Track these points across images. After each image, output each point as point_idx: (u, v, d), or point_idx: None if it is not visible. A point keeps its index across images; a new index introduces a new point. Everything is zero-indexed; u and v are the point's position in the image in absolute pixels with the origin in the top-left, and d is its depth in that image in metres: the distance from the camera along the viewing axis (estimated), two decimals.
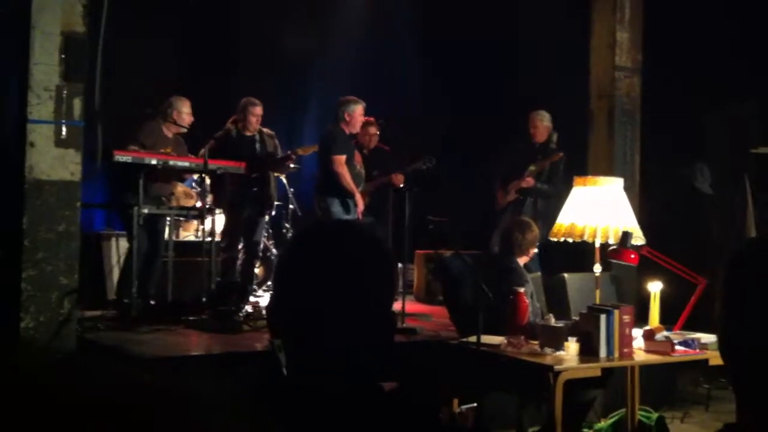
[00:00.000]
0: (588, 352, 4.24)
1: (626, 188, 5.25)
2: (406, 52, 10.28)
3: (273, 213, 8.03)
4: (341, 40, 10.08)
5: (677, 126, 7.80)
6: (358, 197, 7.06)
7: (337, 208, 7.05)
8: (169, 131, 6.88)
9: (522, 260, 5.21)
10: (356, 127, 7.23)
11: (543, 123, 7.63)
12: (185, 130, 6.92)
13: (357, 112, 7.15)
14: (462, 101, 9.43)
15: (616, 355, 4.27)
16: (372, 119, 7.79)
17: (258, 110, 7.36)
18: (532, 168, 7.57)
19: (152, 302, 6.65)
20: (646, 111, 7.42)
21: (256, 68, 9.39)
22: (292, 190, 8.54)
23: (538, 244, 5.37)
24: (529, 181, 7.50)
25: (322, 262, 1.42)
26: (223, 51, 9.42)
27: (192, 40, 9.20)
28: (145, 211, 6.36)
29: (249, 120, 7.33)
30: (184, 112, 6.89)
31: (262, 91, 7.72)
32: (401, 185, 7.32)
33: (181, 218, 7.62)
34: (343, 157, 7.03)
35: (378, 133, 7.95)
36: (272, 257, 8.19)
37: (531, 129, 7.65)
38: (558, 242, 5.08)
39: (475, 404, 4.66)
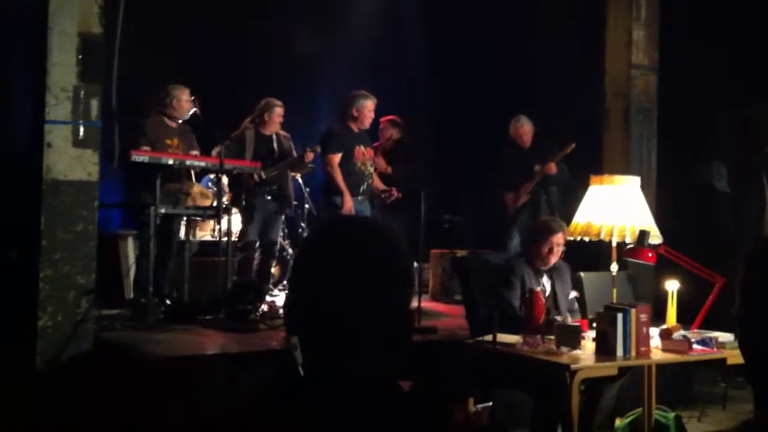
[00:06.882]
0: (604, 351, 4.22)
1: (643, 187, 5.23)
2: (416, 51, 10.26)
3: (290, 212, 8.03)
4: (351, 41, 10.06)
5: (694, 124, 7.76)
6: (347, 197, 6.86)
7: (328, 206, 6.97)
8: (171, 121, 6.83)
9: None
10: (365, 123, 7.09)
11: (529, 127, 7.87)
12: (186, 117, 6.84)
13: (366, 107, 7.03)
14: (475, 101, 9.40)
15: (633, 354, 4.24)
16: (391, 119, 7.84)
17: (281, 111, 7.37)
18: (537, 168, 7.65)
19: (168, 302, 6.67)
20: (662, 109, 7.39)
21: (266, 69, 9.38)
22: (308, 189, 8.52)
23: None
24: (551, 167, 7.54)
25: (338, 259, 1.42)
26: (234, 52, 9.41)
27: (202, 41, 9.19)
28: (162, 210, 6.36)
29: (273, 120, 7.33)
30: (183, 99, 6.79)
31: (272, 93, 7.67)
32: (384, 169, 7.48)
33: (198, 218, 7.62)
34: (336, 156, 6.92)
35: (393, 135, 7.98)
36: (288, 257, 8.20)
37: (521, 136, 7.81)
38: (574, 241, 5.07)
39: (490, 403, 4.65)
